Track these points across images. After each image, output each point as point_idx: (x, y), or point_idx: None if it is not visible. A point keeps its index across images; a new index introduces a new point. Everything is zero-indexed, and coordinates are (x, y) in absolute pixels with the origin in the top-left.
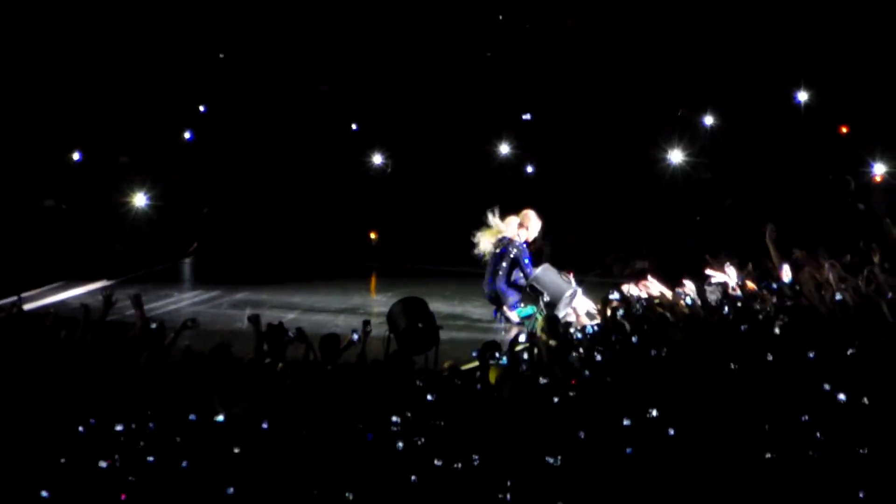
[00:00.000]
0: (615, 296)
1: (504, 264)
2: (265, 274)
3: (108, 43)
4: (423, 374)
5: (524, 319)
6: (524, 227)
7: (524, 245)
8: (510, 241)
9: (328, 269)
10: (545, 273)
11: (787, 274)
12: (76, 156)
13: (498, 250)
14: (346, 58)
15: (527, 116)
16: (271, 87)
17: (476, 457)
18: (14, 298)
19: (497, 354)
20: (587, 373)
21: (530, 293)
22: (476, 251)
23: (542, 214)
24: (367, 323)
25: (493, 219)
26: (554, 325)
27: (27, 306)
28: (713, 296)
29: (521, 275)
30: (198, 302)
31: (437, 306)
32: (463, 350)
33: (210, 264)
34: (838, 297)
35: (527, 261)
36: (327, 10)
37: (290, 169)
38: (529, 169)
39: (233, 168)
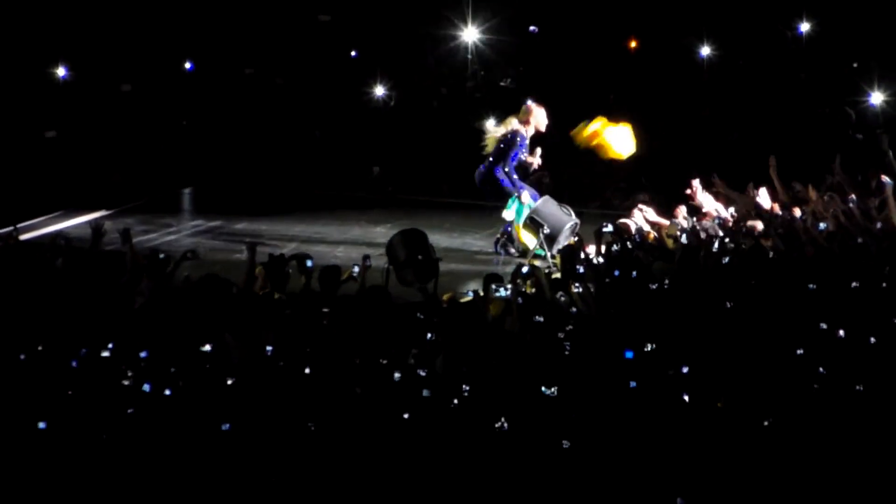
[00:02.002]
0: (608, 229)
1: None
2: (265, 204)
3: None
4: (423, 305)
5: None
6: (527, 122)
7: (523, 137)
8: (515, 132)
9: (328, 200)
10: (545, 205)
11: (764, 199)
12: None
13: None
14: None
15: (533, 28)
16: (272, 14)
17: (475, 388)
18: (10, 228)
19: (498, 287)
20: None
21: (530, 225)
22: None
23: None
24: (366, 257)
25: (492, 127)
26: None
27: (26, 236)
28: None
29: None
30: (198, 232)
31: (437, 238)
32: (462, 282)
33: (211, 194)
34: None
35: (515, 152)
36: None
37: (289, 99)
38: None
39: (233, 98)
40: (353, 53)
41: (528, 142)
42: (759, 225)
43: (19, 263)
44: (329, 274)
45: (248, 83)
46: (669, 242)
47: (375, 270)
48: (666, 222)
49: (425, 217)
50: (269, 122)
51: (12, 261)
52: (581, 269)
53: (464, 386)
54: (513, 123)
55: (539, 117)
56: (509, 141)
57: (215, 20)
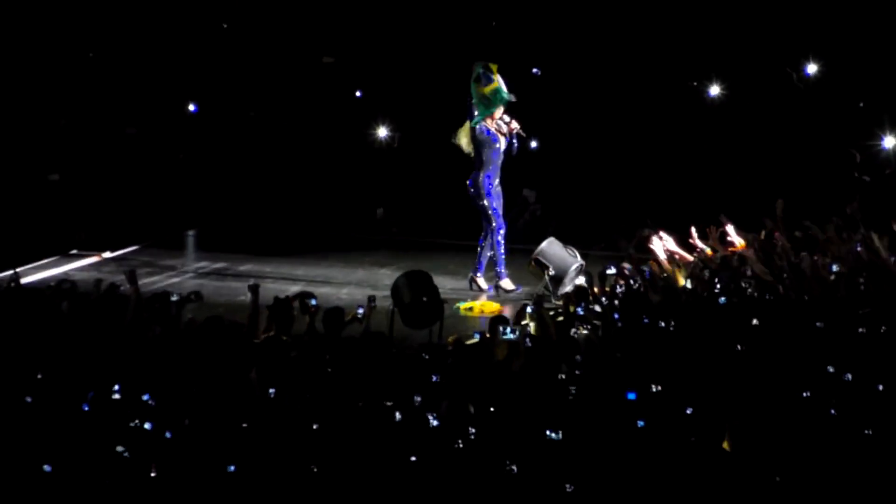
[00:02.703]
0: (612, 270)
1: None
2: (270, 246)
3: (113, 13)
4: (428, 348)
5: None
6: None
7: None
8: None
9: (333, 241)
10: (550, 246)
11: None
12: (83, 127)
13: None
14: (349, 27)
15: (536, 70)
16: (275, 57)
17: (479, 431)
18: (11, 272)
19: (505, 328)
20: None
21: (535, 267)
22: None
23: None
24: (371, 298)
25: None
26: (575, 299)
27: (30, 278)
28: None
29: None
30: (202, 274)
31: (441, 280)
32: (467, 325)
33: (215, 236)
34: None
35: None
36: None
37: (294, 140)
38: (533, 144)
39: (237, 140)
40: (357, 94)
41: (491, 129)
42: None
43: (22, 307)
44: (333, 316)
45: (251, 125)
46: (680, 277)
47: (380, 312)
48: (687, 256)
49: (430, 258)
50: (273, 163)
51: (15, 304)
52: (586, 311)
53: (470, 429)
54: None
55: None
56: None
57: (219, 62)
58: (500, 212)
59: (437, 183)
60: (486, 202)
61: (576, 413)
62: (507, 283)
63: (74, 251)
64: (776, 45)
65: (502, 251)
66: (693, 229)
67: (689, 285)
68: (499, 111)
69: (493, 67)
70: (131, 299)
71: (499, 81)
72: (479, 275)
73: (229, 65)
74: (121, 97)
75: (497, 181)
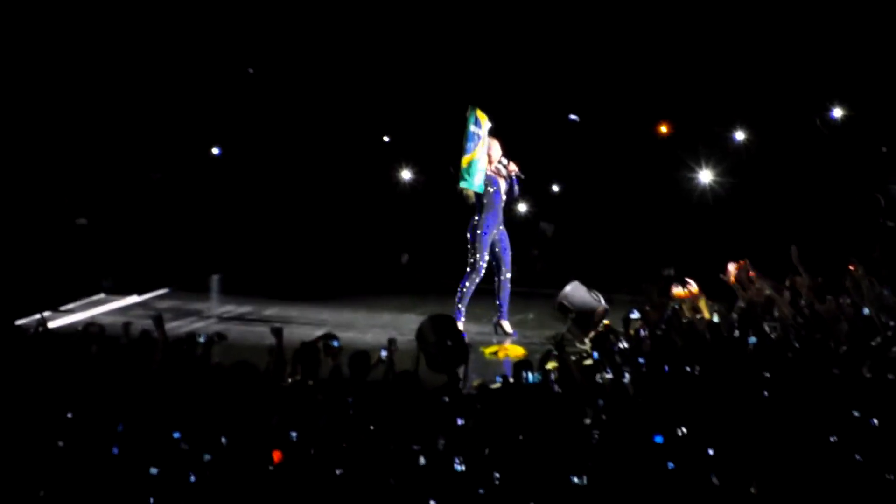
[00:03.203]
0: (635, 315)
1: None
2: (295, 290)
3: (138, 58)
4: (452, 392)
5: None
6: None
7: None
8: None
9: (358, 285)
10: (574, 290)
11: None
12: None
13: None
14: (378, 72)
15: (573, 117)
16: (301, 100)
17: (504, 476)
18: (38, 316)
19: (528, 373)
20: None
21: (559, 311)
22: None
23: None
24: (392, 341)
25: None
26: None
27: (57, 322)
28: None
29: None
30: (228, 318)
31: (467, 325)
32: (492, 369)
33: (240, 280)
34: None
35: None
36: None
37: (320, 184)
38: (555, 188)
39: (263, 183)
40: (385, 139)
41: (491, 173)
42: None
43: (49, 351)
44: (359, 360)
45: (276, 168)
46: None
47: (405, 353)
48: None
49: (454, 302)
50: (298, 207)
51: (42, 349)
52: (610, 355)
53: (494, 473)
54: None
55: (492, 154)
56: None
57: (242, 105)
58: (508, 257)
59: (462, 227)
60: (478, 244)
61: (600, 457)
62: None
63: (101, 295)
64: (800, 90)
65: (470, 292)
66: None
67: (710, 328)
68: (496, 154)
69: (483, 119)
70: (159, 344)
71: (478, 152)
72: (503, 319)
73: (254, 108)
74: (146, 142)
75: (498, 224)
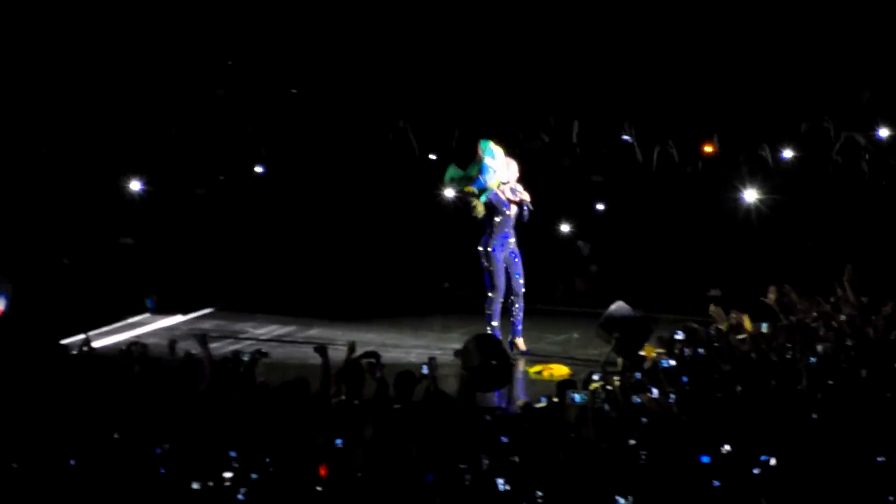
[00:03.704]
0: (680, 336)
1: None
2: (340, 309)
3: (184, 77)
4: (496, 412)
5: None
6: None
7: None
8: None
9: (402, 305)
10: (618, 310)
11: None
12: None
13: None
14: (424, 89)
15: (626, 137)
16: (346, 120)
17: (547, 496)
18: (83, 336)
19: (573, 393)
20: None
21: (603, 331)
22: None
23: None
24: (432, 359)
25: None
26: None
27: (103, 342)
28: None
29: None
30: (272, 338)
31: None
32: (536, 388)
33: (284, 300)
34: None
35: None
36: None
37: (364, 203)
38: (600, 206)
39: (307, 202)
40: (432, 157)
41: (501, 195)
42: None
43: (95, 372)
44: (404, 379)
45: (321, 188)
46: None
47: (448, 374)
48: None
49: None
50: (342, 226)
51: (88, 369)
52: (655, 375)
53: (537, 493)
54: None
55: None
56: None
57: (286, 122)
58: (520, 278)
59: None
60: (491, 265)
61: (646, 478)
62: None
63: (146, 315)
64: (845, 108)
65: (497, 312)
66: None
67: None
68: (514, 176)
69: (497, 150)
70: (204, 363)
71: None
72: (518, 337)
73: (299, 127)
74: (191, 158)
75: (508, 244)
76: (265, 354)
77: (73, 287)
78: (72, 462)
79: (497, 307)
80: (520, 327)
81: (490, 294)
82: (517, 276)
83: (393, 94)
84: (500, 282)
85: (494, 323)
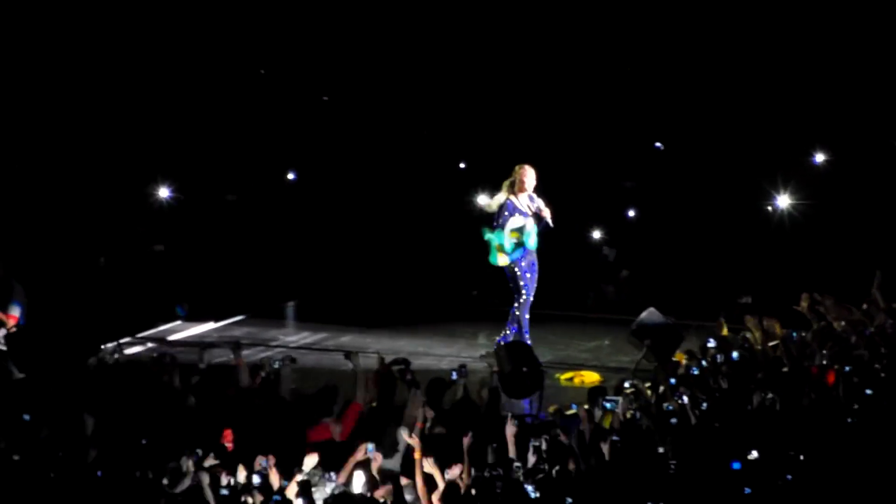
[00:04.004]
0: (712, 343)
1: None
2: (371, 317)
3: (215, 85)
4: (528, 418)
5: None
6: (521, 190)
7: (510, 203)
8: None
9: (433, 313)
10: (650, 316)
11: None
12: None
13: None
14: (453, 99)
15: (658, 145)
16: (379, 128)
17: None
18: (115, 343)
19: (603, 400)
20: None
21: (634, 338)
22: None
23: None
24: (462, 366)
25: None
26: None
27: (135, 349)
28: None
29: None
30: (303, 345)
31: (541, 351)
32: (567, 395)
33: (316, 307)
34: None
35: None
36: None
37: (395, 211)
38: (631, 213)
39: (338, 209)
40: (461, 165)
41: (519, 205)
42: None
43: (127, 378)
44: (435, 386)
45: (351, 195)
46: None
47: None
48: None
49: (530, 329)
50: (372, 234)
51: (120, 376)
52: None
53: (567, 499)
54: (502, 196)
55: (526, 180)
56: (499, 212)
57: (317, 131)
58: (531, 285)
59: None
60: (516, 275)
61: (677, 484)
62: None
63: (178, 322)
64: (882, 114)
65: (526, 320)
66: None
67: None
68: (530, 182)
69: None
70: (238, 369)
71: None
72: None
73: (329, 135)
74: (222, 165)
75: (531, 256)
76: (293, 361)
77: (107, 294)
78: (98, 471)
79: (526, 318)
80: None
81: (515, 303)
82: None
83: (424, 103)
84: (524, 291)
85: (525, 334)
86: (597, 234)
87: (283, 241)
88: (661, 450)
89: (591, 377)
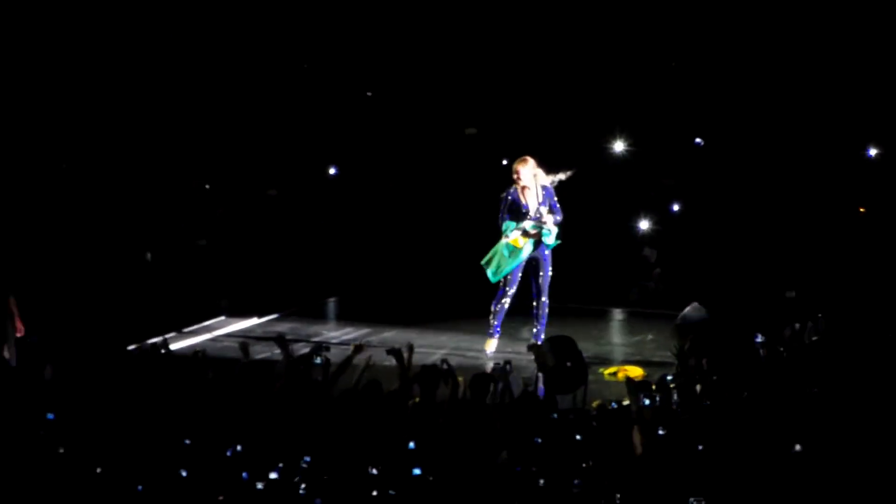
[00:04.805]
0: (760, 339)
1: None
2: (414, 312)
3: (256, 78)
4: (572, 413)
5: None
6: (517, 179)
7: (510, 193)
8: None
9: (475, 308)
10: (693, 312)
11: None
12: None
13: None
14: (493, 97)
15: (699, 141)
16: (419, 125)
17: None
18: (160, 339)
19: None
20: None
21: (678, 333)
22: None
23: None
24: (507, 363)
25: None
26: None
27: (182, 343)
28: None
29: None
30: (346, 340)
31: (586, 346)
32: (611, 390)
33: (358, 303)
34: None
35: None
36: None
37: (438, 206)
38: (675, 207)
39: (381, 204)
40: (503, 162)
41: (519, 193)
42: None
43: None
44: (479, 382)
45: (394, 190)
46: None
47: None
48: None
49: (573, 324)
50: (416, 230)
51: (163, 371)
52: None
53: (617, 495)
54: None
55: (523, 172)
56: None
57: (358, 125)
58: (546, 282)
59: (581, 249)
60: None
61: (718, 478)
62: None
63: (221, 318)
64: None
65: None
66: None
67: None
68: (525, 176)
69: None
70: (282, 364)
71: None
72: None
73: (372, 130)
74: (262, 159)
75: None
76: (327, 349)
77: (151, 289)
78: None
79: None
80: (543, 332)
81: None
82: (544, 283)
83: (468, 100)
84: (507, 289)
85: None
86: (644, 225)
87: (325, 236)
88: (700, 446)
89: (634, 372)
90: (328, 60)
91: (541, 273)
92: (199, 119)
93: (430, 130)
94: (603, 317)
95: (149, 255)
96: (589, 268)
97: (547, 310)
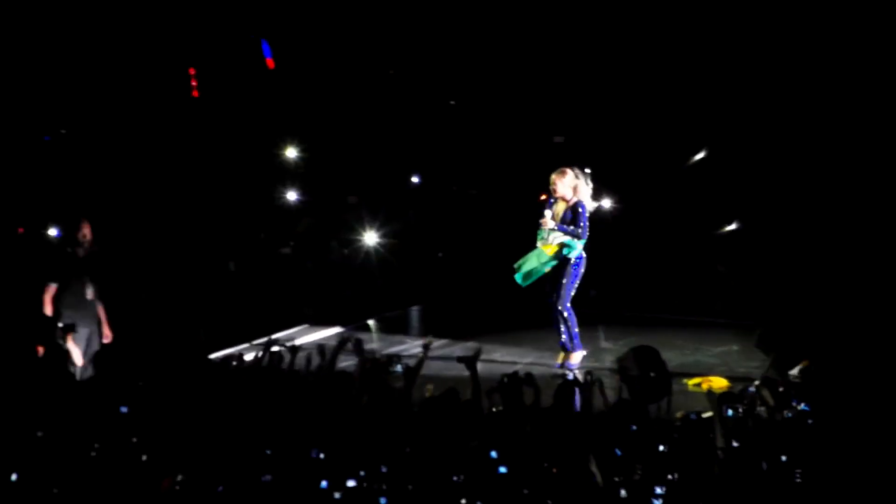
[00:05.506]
0: None
1: None
2: (495, 323)
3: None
4: (656, 423)
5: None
6: (553, 191)
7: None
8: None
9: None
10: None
11: None
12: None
13: None
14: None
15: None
16: (503, 133)
17: None
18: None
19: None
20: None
21: (761, 346)
22: None
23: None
24: (589, 373)
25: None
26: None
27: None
28: None
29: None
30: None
31: (669, 355)
32: (696, 401)
33: (440, 312)
34: None
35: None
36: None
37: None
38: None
39: (463, 213)
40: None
41: (553, 204)
42: None
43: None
44: (565, 389)
45: (476, 199)
46: None
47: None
48: None
49: (656, 334)
50: (499, 239)
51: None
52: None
53: None
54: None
55: (558, 184)
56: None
57: (440, 138)
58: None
59: (663, 257)
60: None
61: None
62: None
63: (305, 326)
64: None
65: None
66: None
67: None
68: (563, 190)
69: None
70: (359, 370)
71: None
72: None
73: (455, 139)
74: (346, 167)
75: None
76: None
77: (233, 297)
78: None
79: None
80: (567, 340)
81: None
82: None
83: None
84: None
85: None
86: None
87: (408, 245)
88: (783, 458)
89: (719, 383)
90: (414, 68)
91: (562, 281)
92: (283, 129)
93: (516, 139)
94: (685, 327)
95: (232, 265)
96: (674, 277)
97: (566, 317)
